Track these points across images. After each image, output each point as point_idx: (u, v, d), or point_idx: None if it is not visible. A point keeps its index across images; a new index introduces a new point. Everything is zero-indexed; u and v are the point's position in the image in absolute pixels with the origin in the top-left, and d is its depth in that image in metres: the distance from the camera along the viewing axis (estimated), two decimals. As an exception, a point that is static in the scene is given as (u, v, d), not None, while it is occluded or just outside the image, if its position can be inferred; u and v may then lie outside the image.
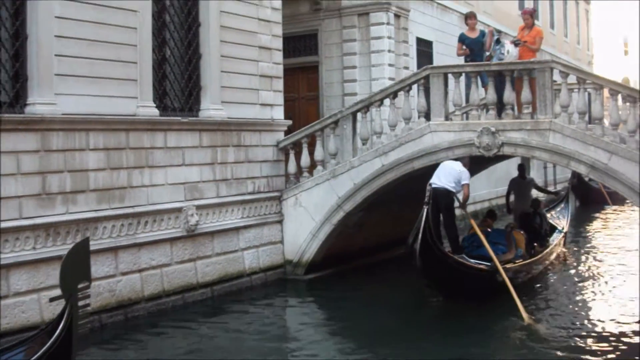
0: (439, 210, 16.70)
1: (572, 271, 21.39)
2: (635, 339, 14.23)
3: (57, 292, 9.53)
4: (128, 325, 15.14)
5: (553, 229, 23.02)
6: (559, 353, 13.41)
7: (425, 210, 15.57)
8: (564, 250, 23.42)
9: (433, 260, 15.99)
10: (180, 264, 16.87)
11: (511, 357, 13.55)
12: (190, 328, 15.21)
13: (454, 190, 17.09)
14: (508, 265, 17.47)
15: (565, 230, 23.89)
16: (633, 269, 20.74)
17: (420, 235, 15.54)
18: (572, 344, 13.97)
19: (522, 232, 19.67)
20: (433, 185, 16.41)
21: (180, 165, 17.03)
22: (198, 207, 17.24)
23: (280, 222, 19.97)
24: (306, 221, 19.82)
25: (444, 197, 16.81)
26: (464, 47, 19.87)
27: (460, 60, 20.53)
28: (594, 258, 23.58)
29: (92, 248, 14.09)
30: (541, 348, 13.72)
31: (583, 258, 23.52)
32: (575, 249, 25.25)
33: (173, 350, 13.82)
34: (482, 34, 19.92)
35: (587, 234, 29.79)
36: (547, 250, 20.88)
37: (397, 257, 22.45)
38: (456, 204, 17.56)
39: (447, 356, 13.32)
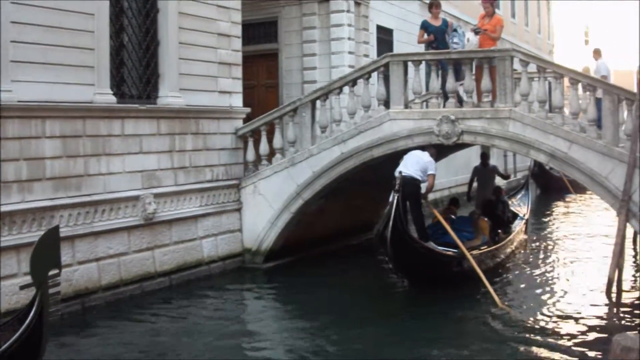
0: (406, 198, 16.55)
1: (535, 257, 21.71)
2: (603, 319, 14.74)
3: (15, 281, 9.44)
4: (85, 315, 15.01)
5: (515, 216, 23.32)
6: (533, 336, 13.71)
7: (396, 197, 15.78)
8: (525, 237, 23.69)
9: (403, 247, 16.19)
10: (138, 253, 16.75)
11: (487, 342, 13.63)
12: (148, 317, 15.14)
13: (420, 179, 17.22)
14: (474, 252, 17.71)
15: (526, 217, 24.10)
16: (594, 253, 21.59)
17: (390, 223, 15.76)
18: (544, 326, 14.36)
19: (486, 219, 20.11)
20: (398, 174, 16.38)
21: (137, 153, 16.89)
22: (156, 196, 17.12)
23: (238, 210, 19.88)
24: (265, 209, 19.75)
25: (411, 186, 16.81)
26: (426, 34, 19.71)
27: (421, 48, 20.49)
28: (555, 244, 24.11)
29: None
30: (516, 332, 14.04)
31: (545, 244, 23.95)
32: (537, 235, 25.64)
33: (131, 339, 13.72)
34: (445, 22, 19.89)
35: (548, 221, 30.24)
36: (511, 237, 21.13)
37: (356, 245, 22.68)
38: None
39: (420, 342, 13.49)
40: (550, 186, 39.45)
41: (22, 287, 10.17)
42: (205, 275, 18.42)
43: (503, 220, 21.74)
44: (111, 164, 16.20)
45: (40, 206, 14.51)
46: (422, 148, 17.98)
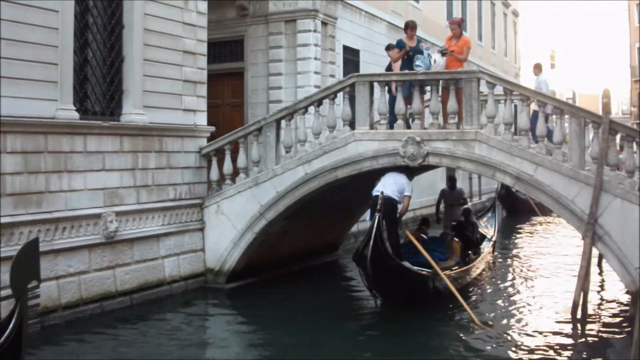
0: (382, 217, 16.37)
1: (503, 277, 22.08)
2: (568, 343, 14.68)
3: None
4: (45, 334, 14.70)
5: (482, 237, 23.76)
6: (513, 352, 14.04)
7: (377, 217, 15.87)
8: (492, 257, 24.02)
9: (382, 265, 16.19)
10: (99, 272, 16.50)
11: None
12: (108, 336, 14.92)
13: (397, 200, 17.54)
14: (447, 272, 18.00)
15: (494, 239, 24.63)
16: (560, 273, 22.08)
17: (371, 242, 15.84)
18: (522, 342, 14.70)
19: (457, 240, 20.58)
20: (380, 194, 16.51)
21: (100, 170, 16.67)
22: (118, 214, 16.91)
23: (201, 229, 19.69)
24: (228, 229, 19.57)
25: (388, 205, 16.90)
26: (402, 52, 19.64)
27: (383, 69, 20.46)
28: (522, 264, 24.42)
29: (6, 254, 13.98)
30: (489, 349, 14.38)
31: (511, 265, 24.35)
32: (504, 256, 25.99)
33: (92, 358, 13.52)
34: (419, 43, 19.84)
35: (514, 242, 30.63)
36: (480, 257, 21.59)
37: (319, 265, 22.59)
38: None
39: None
40: (517, 208, 39.74)
41: (1, 299, 10.44)
42: (167, 295, 18.21)
43: (472, 242, 22.14)
44: (73, 181, 15.97)
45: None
46: (400, 170, 18.10)
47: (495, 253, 24.95)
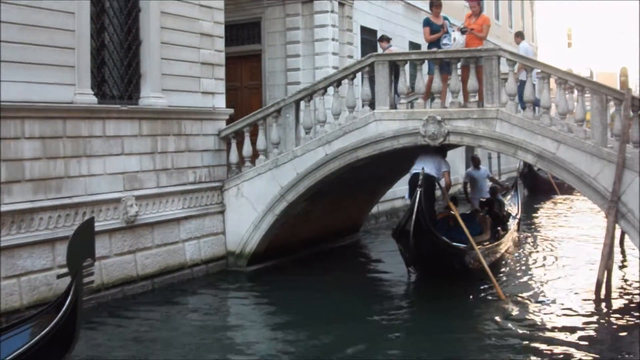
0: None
1: (528, 254, 22.24)
2: (592, 322, 14.65)
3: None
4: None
5: (508, 215, 23.94)
6: (537, 330, 14.08)
7: (419, 192, 16.47)
8: (518, 234, 24.40)
9: (424, 239, 16.74)
10: (120, 256, 16.47)
11: (489, 337, 13.99)
12: (130, 321, 14.89)
13: (436, 177, 18.23)
14: (480, 247, 18.36)
15: (518, 216, 25.02)
16: (583, 251, 22.12)
17: (414, 217, 16.44)
18: (547, 320, 14.76)
19: (487, 216, 21.12)
20: (417, 172, 17.42)
21: (119, 154, 16.62)
22: (137, 198, 16.87)
23: (222, 212, 19.63)
24: (248, 212, 19.50)
25: (427, 183, 17.32)
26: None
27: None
28: (546, 241, 24.58)
29: (27, 240, 13.95)
30: (517, 324, 14.41)
31: (536, 242, 24.50)
32: (528, 234, 26.17)
33: (113, 342, 13.50)
34: (444, 19, 19.76)
35: (537, 220, 30.74)
36: (508, 233, 21.99)
37: (340, 247, 22.49)
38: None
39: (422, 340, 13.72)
40: (538, 188, 39.71)
41: (59, 277, 11.03)
42: (188, 279, 18.17)
43: (501, 218, 22.35)
44: (92, 166, 15.92)
45: (19, 208, 14.22)
46: (432, 150, 18.41)
47: (520, 232, 25.19)
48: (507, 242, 21.78)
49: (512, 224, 23.49)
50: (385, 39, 22.08)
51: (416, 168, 17.96)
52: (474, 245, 17.83)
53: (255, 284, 18.51)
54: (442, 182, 18.62)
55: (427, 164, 17.84)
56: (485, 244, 19.36)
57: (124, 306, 15.85)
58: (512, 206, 25.73)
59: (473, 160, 23.89)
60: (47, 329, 9.69)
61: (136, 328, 14.43)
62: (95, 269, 10.54)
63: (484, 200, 22.97)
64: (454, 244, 17.82)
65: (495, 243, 20.18)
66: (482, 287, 17.21)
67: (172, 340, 13.53)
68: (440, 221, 18.92)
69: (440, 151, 18.83)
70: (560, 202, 36.81)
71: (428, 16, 20.29)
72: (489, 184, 24.12)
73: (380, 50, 21.88)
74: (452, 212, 19.40)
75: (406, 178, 23.58)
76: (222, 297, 17.52)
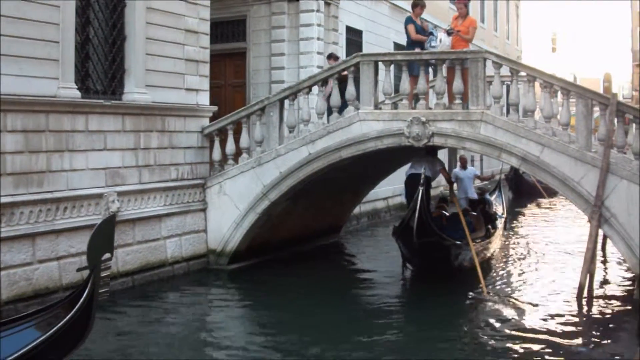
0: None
1: (511, 257, 22.59)
2: (573, 325, 14.65)
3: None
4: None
5: (495, 214, 24.49)
6: (519, 333, 14.04)
7: (421, 191, 16.91)
8: (504, 232, 25.20)
9: (425, 236, 17.26)
10: (101, 252, 16.34)
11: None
12: (111, 317, 14.73)
13: (430, 177, 18.89)
14: (475, 244, 19.09)
15: (504, 215, 25.75)
16: (566, 251, 22.76)
17: (417, 214, 16.87)
18: (528, 324, 14.77)
19: (479, 215, 22.06)
20: (413, 172, 18.78)
21: (101, 149, 16.52)
22: (119, 194, 16.76)
23: (203, 210, 19.55)
24: (230, 210, 19.43)
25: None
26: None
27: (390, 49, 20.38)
28: (528, 245, 24.93)
29: (7, 235, 13.83)
30: (497, 326, 14.52)
31: (518, 244, 25.02)
32: (510, 237, 26.51)
33: (94, 338, 13.37)
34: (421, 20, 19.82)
35: (521, 223, 31.30)
36: (498, 231, 22.75)
37: (322, 247, 22.48)
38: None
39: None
40: (523, 191, 39.96)
41: (78, 270, 11.34)
42: (168, 276, 18.08)
43: (491, 217, 23.17)
44: (74, 161, 15.81)
45: (0, 202, 14.08)
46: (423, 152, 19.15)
47: (505, 232, 25.67)
48: (497, 240, 22.46)
49: (500, 222, 24.04)
50: (334, 57, 22.02)
51: (413, 169, 19.04)
52: (470, 242, 18.47)
53: (236, 282, 18.48)
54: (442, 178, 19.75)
55: (422, 165, 18.08)
56: (478, 240, 19.92)
57: (103, 303, 15.73)
58: (498, 205, 26.12)
59: (460, 160, 24.07)
60: (65, 319, 10.02)
61: (115, 324, 14.33)
62: (110, 264, 10.85)
63: (476, 199, 23.52)
64: (453, 240, 18.44)
65: (487, 240, 20.81)
66: (467, 287, 17.36)
67: (152, 337, 13.49)
68: (435, 219, 19.12)
69: (432, 151, 19.35)
70: (544, 206, 37.27)
71: (409, 15, 20.22)
72: (477, 182, 24.80)
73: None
74: (444, 211, 20.40)
75: (390, 179, 23.93)
76: (202, 294, 17.46)
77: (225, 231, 19.43)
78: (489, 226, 22.00)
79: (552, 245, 24.50)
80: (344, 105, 18.93)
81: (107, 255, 10.57)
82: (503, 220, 24.92)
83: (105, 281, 10.58)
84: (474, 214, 21.75)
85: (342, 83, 18.93)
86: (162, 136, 18.31)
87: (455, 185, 23.67)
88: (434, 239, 17.66)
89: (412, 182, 18.42)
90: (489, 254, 21.16)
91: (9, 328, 9.91)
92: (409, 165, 19.93)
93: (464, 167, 23.87)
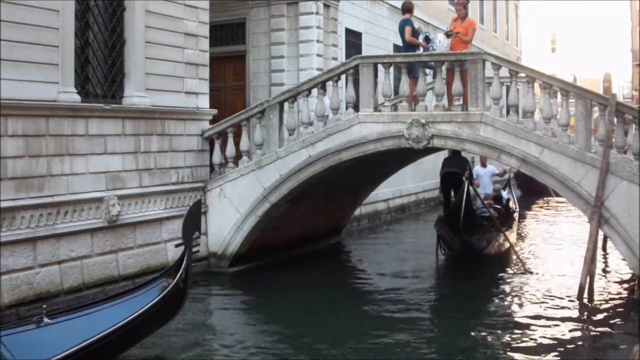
0: (449, 188, 22.04)
1: (531, 242, 24.27)
2: (574, 326, 14.61)
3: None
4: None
5: (511, 208, 26.57)
6: (518, 334, 14.18)
7: (466, 183, 19.64)
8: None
9: (470, 221, 19.83)
10: (101, 256, 16.38)
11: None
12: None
13: (462, 173, 20.56)
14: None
15: (517, 209, 27.45)
16: (568, 251, 23.41)
17: (463, 204, 19.40)
18: (528, 324, 14.83)
19: (501, 208, 24.21)
20: (446, 171, 21.90)
21: (102, 153, 16.53)
22: (120, 197, 16.78)
23: (204, 213, 19.55)
24: (231, 213, 19.46)
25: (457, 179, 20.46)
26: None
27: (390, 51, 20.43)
28: (530, 243, 25.65)
29: (8, 239, 13.82)
30: (501, 331, 14.43)
31: (521, 243, 25.49)
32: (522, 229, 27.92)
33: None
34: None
35: (525, 223, 31.40)
36: (514, 224, 25.09)
37: (323, 248, 22.49)
38: None
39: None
40: (531, 189, 40.10)
41: (176, 245, 12.64)
42: (169, 280, 18.07)
43: (510, 211, 25.31)
44: (75, 165, 15.83)
45: (1, 207, 14.08)
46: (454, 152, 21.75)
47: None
48: (514, 231, 24.72)
49: (515, 215, 26.10)
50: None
51: (445, 168, 22.04)
52: (501, 229, 21.51)
53: (237, 285, 18.50)
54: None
55: (452, 165, 21.56)
56: (504, 228, 22.18)
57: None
58: (510, 201, 27.20)
59: (481, 159, 24.39)
60: (172, 284, 11.85)
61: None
62: (199, 241, 13.47)
63: (497, 195, 25.76)
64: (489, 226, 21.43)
65: (510, 231, 23.24)
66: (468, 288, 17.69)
67: (152, 339, 13.44)
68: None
69: (457, 152, 21.55)
70: (551, 205, 37.90)
71: (405, 17, 20.19)
72: (494, 179, 25.50)
73: None
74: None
75: (390, 180, 24.35)
76: (203, 297, 17.40)
77: (226, 234, 19.46)
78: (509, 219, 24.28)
79: (554, 244, 25.01)
80: None
81: (197, 233, 12.45)
82: (516, 214, 26.56)
83: (195, 255, 12.87)
84: (498, 207, 23.83)
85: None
86: (162, 140, 18.32)
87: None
88: (476, 223, 20.32)
89: (445, 180, 22.04)
90: (507, 244, 22.51)
91: (125, 296, 11.93)
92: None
93: (484, 165, 24.35)
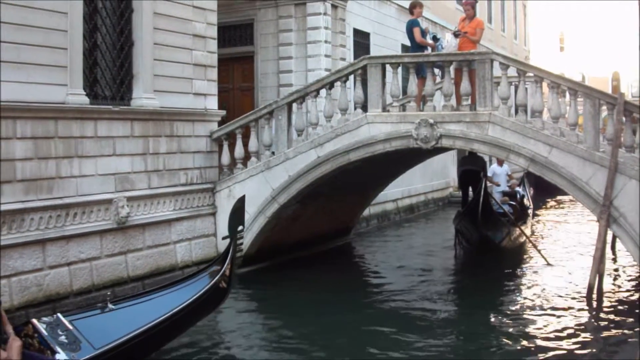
0: (467, 185, 23.46)
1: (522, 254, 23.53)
2: (583, 325, 14.48)
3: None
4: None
5: (526, 205, 27.66)
6: (527, 334, 14.32)
7: (484, 180, 21.09)
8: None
9: (487, 215, 21.11)
10: (111, 257, 16.40)
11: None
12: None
13: (479, 170, 22.05)
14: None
15: (531, 206, 28.40)
16: (578, 250, 23.70)
17: (481, 199, 20.78)
18: (537, 324, 14.99)
19: (516, 205, 25.37)
20: (464, 169, 23.15)
21: (110, 155, 16.56)
22: (129, 199, 16.80)
23: (213, 214, 19.59)
24: (240, 214, 19.42)
25: (476, 176, 21.70)
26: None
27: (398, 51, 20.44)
28: (540, 242, 25.78)
29: (18, 241, 13.85)
30: (511, 330, 14.67)
31: (547, 228, 27.42)
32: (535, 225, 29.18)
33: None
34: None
35: (535, 222, 31.17)
36: (529, 219, 26.42)
37: (332, 249, 22.49)
38: None
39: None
40: (543, 187, 40.13)
41: (223, 238, 13.06)
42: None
43: (524, 207, 26.42)
44: (83, 167, 15.86)
45: (10, 209, 14.11)
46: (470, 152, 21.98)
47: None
48: (529, 226, 25.88)
49: (530, 211, 27.19)
50: None
51: (463, 167, 23.52)
52: (516, 224, 23.11)
53: (246, 285, 18.42)
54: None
55: (469, 163, 22.70)
56: (519, 223, 23.66)
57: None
58: (524, 198, 27.89)
59: (497, 158, 24.53)
60: (221, 271, 12.62)
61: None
62: (243, 234, 13.72)
63: (512, 192, 26.08)
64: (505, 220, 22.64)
65: (525, 226, 24.46)
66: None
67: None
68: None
69: (473, 153, 22.10)
70: (562, 203, 38.29)
71: (413, 18, 20.16)
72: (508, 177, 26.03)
73: None
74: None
75: (399, 180, 24.55)
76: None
77: (235, 235, 19.42)
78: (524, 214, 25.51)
79: (564, 243, 25.32)
80: None
81: (241, 227, 12.98)
82: (531, 210, 27.60)
83: (240, 248, 13.22)
84: (514, 203, 24.85)
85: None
86: (171, 141, 18.35)
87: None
88: (493, 218, 21.61)
89: (463, 177, 23.68)
90: (523, 239, 23.74)
91: (180, 284, 12.70)
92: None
93: (500, 164, 25.09)
